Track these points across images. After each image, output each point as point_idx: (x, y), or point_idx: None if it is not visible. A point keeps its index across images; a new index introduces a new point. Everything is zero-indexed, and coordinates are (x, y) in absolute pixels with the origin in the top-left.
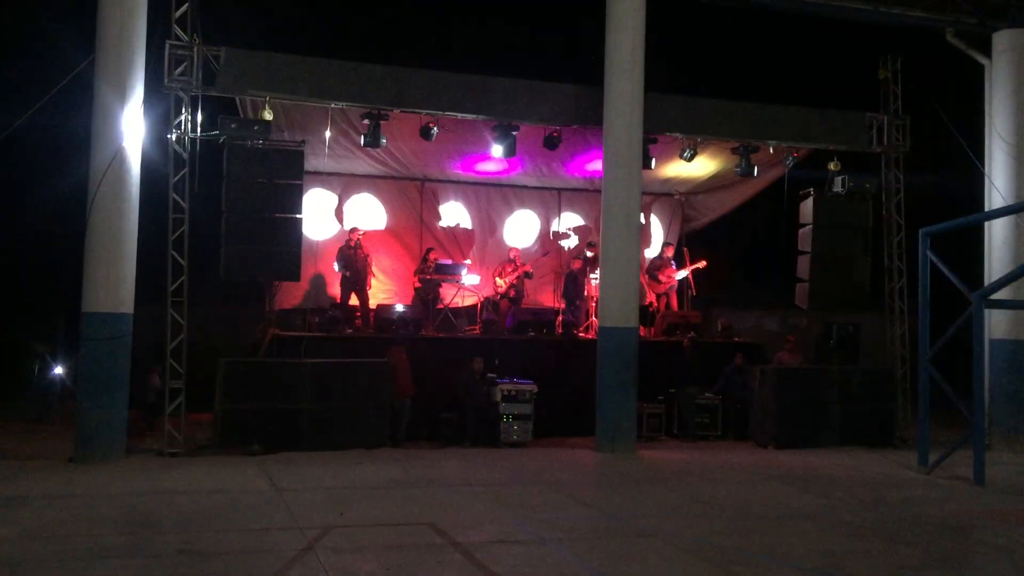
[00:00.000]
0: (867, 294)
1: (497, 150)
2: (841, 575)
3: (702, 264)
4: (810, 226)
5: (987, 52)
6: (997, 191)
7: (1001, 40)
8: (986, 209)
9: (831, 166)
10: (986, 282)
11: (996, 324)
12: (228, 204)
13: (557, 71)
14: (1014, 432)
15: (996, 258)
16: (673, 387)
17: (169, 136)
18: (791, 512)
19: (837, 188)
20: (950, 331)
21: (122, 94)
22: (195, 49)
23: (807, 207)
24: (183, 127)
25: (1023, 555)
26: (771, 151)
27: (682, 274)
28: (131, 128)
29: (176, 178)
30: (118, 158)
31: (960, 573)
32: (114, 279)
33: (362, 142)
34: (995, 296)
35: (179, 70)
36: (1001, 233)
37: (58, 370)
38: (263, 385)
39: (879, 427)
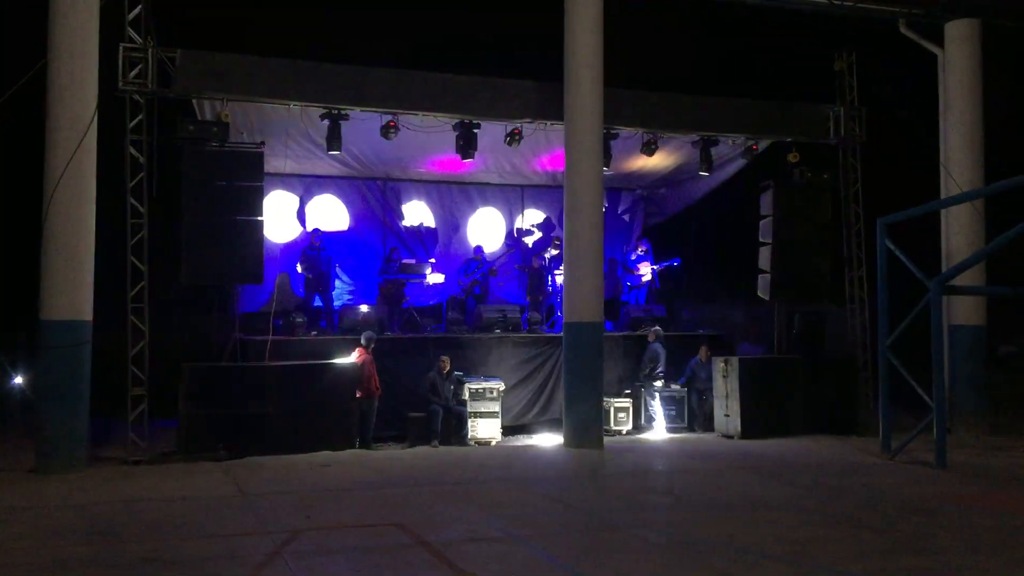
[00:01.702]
0: (828, 284)
1: (459, 148)
2: (808, 562)
3: (676, 261)
4: (770, 218)
5: (939, 42)
6: (952, 179)
7: (952, 30)
8: (942, 197)
9: (790, 158)
10: (943, 269)
11: (955, 310)
12: (187, 208)
13: (517, 67)
14: (974, 416)
15: (953, 245)
16: (639, 381)
17: (125, 140)
18: (758, 501)
19: (796, 179)
20: (908, 318)
21: (76, 97)
22: (149, 51)
23: (767, 199)
24: (140, 130)
25: (985, 538)
26: (731, 144)
27: (656, 268)
28: (86, 132)
29: (133, 182)
30: (73, 163)
31: (924, 557)
32: (72, 286)
33: (323, 144)
34: (953, 282)
35: (134, 73)
36: (958, 220)
37: (18, 380)
38: (228, 390)
39: (842, 414)
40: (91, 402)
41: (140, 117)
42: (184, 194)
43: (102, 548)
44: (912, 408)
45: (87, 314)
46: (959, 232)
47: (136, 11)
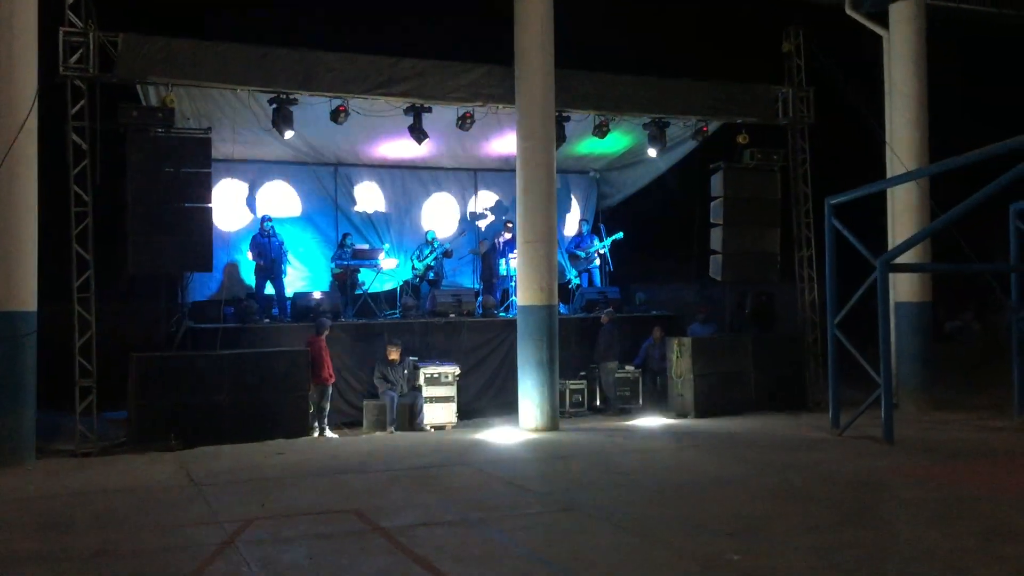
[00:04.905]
0: (778, 263)
1: (409, 132)
2: (760, 537)
3: (619, 236)
4: (721, 199)
5: (884, 23)
6: (898, 158)
7: (897, 11)
8: (888, 176)
9: (739, 139)
10: (889, 247)
11: (901, 287)
12: (133, 195)
13: (468, 50)
14: (920, 391)
15: (899, 224)
16: (593, 363)
17: (67, 126)
18: (709, 479)
19: (746, 161)
20: (855, 296)
21: (15, 83)
22: (90, 35)
23: (718, 180)
24: (82, 116)
25: (931, 508)
26: (682, 126)
27: (601, 246)
28: (26, 119)
29: (77, 169)
30: (13, 151)
31: (871, 529)
32: (16, 277)
33: (271, 129)
34: (898, 260)
35: (75, 57)
36: (903, 200)
37: None
38: (178, 379)
39: (793, 391)
40: (38, 394)
41: (82, 103)
42: (129, 181)
43: (53, 542)
44: (861, 384)
45: (31, 305)
46: (904, 211)
47: None
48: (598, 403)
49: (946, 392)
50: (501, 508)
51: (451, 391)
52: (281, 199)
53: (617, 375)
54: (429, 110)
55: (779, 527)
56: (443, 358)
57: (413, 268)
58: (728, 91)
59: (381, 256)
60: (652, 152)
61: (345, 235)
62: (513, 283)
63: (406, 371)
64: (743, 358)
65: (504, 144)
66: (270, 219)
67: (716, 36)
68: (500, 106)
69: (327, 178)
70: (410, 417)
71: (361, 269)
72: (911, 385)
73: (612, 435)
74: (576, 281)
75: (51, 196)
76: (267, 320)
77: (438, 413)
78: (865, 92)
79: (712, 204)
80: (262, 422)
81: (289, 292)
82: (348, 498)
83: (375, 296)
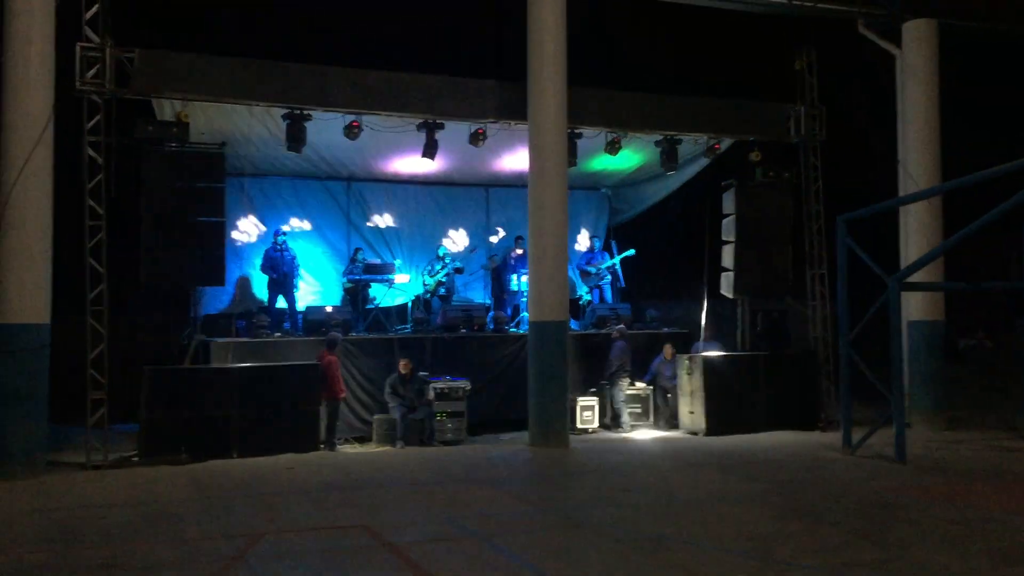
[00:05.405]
0: (790, 281)
1: (422, 148)
2: (770, 556)
3: (630, 252)
4: (733, 216)
5: (897, 42)
6: (910, 177)
7: (910, 30)
8: (900, 195)
9: (752, 157)
10: (902, 266)
11: (914, 306)
12: (147, 209)
13: (481, 67)
14: (933, 410)
15: (911, 242)
16: (604, 379)
17: (83, 140)
18: (719, 497)
19: (758, 178)
20: (868, 314)
21: (32, 98)
22: (107, 51)
23: (730, 198)
24: (98, 131)
25: (943, 529)
26: (694, 143)
27: (612, 262)
28: (43, 133)
29: (92, 183)
30: (30, 164)
31: (882, 550)
32: (30, 289)
33: (285, 144)
34: (910, 279)
35: (91, 72)
36: (916, 217)
37: None
38: (190, 393)
39: (804, 410)
40: (50, 406)
41: (98, 117)
42: (144, 195)
43: (61, 554)
44: (874, 403)
45: (45, 317)
46: (917, 229)
47: (93, 10)
48: (608, 419)
49: (959, 411)
50: (510, 524)
51: (461, 406)
52: (293, 212)
53: (627, 392)
54: (442, 126)
55: (789, 546)
56: (453, 373)
57: (424, 284)
58: (740, 109)
59: (392, 271)
60: (664, 169)
61: (357, 250)
62: (524, 299)
63: (416, 386)
64: (755, 376)
65: (516, 160)
66: (283, 233)
67: (729, 54)
68: (513, 123)
69: (340, 193)
70: (420, 432)
71: (372, 284)
72: (924, 404)
73: (621, 452)
74: (587, 297)
75: (66, 209)
76: (278, 334)
77: (448, 428)
78: (878, 109)
79: (724, 221)
80: (273, 436)
81: (301, 306)
82: (357, 513)
83: (386, 311)
